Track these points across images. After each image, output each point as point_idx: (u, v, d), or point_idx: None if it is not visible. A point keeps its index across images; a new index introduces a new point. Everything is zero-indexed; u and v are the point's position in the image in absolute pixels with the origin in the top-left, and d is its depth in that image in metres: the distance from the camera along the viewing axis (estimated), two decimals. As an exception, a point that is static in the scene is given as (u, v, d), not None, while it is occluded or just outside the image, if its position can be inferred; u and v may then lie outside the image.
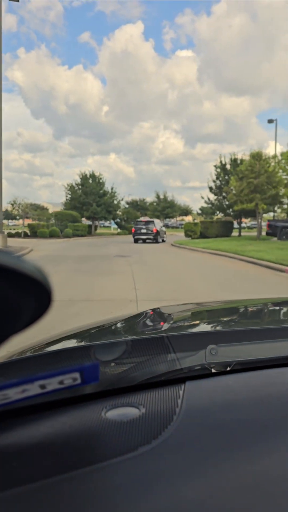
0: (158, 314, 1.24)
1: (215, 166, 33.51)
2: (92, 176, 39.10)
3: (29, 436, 0.52)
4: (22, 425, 0.54)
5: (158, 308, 1.31)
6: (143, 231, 25.71)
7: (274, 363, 0.72)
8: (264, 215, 33.11)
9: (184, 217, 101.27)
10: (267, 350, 0.77)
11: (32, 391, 0.45)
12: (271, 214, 33.52)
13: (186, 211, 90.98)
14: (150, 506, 0.39)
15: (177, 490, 0.41)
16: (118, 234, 41.14)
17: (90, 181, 38.71)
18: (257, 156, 21.09)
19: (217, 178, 33.41)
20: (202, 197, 34.55)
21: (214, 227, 31.87)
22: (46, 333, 1.09)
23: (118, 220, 43.87)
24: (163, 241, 26.13)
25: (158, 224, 27.29)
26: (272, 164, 21.05)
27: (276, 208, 26.64)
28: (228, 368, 0.70)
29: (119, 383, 0.63)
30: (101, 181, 39.14)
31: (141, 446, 0.48)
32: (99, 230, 49.46)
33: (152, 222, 26.53)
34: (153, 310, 1.26)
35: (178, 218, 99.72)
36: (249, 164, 20.91)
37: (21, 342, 0.84)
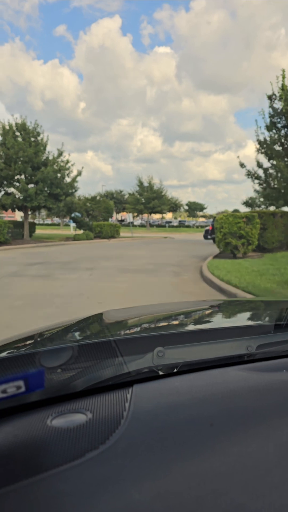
0: (105, 318, 1.23)
1: (270, 97, 15.83)
2: (21, 127, 20.02)
3: None
4: None
5: (105, 312, 1.29)
6: None
7: (218, 363, 0.75)
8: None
9: (164, 215, 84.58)
10: (211, 350, 0.77)
11: None
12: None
13: (175, 206, 73.48)
14: (99, 511, 0.39)
15: (125, 493, 0.41)
16: (74, 238, 23.14)
17: (20, 138, 20.32)
18: None
19: (274, 124, 15.85)
20: (242, 165, 16.83)
21: (279, 226, 14.32)
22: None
23: (78, 214, 25.61)
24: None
25: None
26: None
27: None
28: (175, 370, 0.71)
29: (65, 390, 0.62)
30: (39, 138, 20.51)
31: (89, 452, 0.47)
32: (42, 231, 31.07)
33: None
34: (100, 314, 1.24)
35: (161, 215, 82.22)
36: None
37: None
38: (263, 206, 56.98)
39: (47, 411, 0.57)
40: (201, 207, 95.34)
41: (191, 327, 1.11)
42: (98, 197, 28.50)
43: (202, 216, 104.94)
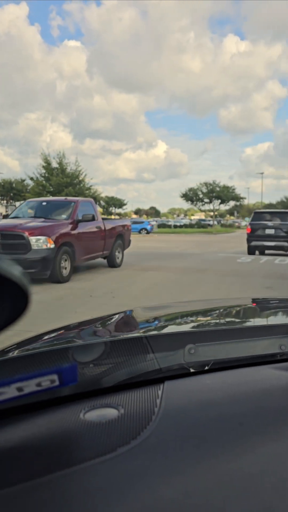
0: (136, 315, 1.24)
1: None
2: None
3: (5, 440, 0.51)
4: None
5: (137, 308, 1.29)
6: (269, 232, 13.02)
7: (249, 362, 0.74)
8: None
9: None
10: (243, 349, 0.77)
11: (9, 394, 0.45)
12: None
13: (94, 199, 58.92)
14: (128, 507, 0.39)
15: (155, 489, 0.41)
16: None
17: None
18: None
19: None
20: None
21: None
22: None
23: None
24: None
25: None
26: None
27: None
28: (206, 368, 0.71)
29: (97, 384, 0.63)
30: None
31: (120, 446, 0.48)
32: None
33: (287, 214, 13.71)
34: (131, 310, 1.25)
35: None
36: None
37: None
38: (206, 200, 40.62)
39: (79, 405, 0.58)
40: (121, 203, 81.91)
41: (222, 325, 1.09)
42: None
43: (117, 214, 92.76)
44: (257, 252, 13.68)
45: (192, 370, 0.70)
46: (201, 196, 49.59)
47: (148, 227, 35.95)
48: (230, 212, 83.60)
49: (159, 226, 45.79)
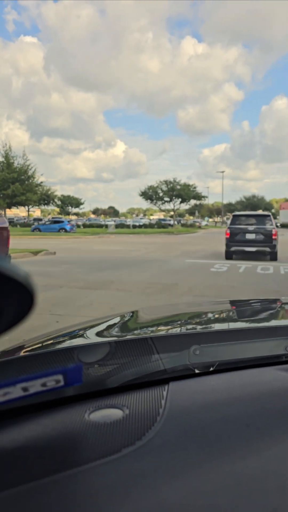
0: (142, 315, 1.23)
1: None
2: None
3: (10, 440, 0.51)
4: (3, 428, 0.54)
5: (141, 309, 1.27)
6: (250, 236, 12.02)
7: (254, 363, 0.74)
8: None
9: (32, 212, 64.89)
10: (249, 350, 0.76)
11: (14, 394, 0.45)
12: None
13: (47, 197, 54.20)
14: (133, 507, 0.39)
15: (160, 490, 0.41)
16: None
17: None
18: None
19: None
20: None
21: None
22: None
23: None
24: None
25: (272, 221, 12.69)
26: None
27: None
28: (211, 369, 0.71)
29: (102, 385, 0.63)
30: None
31: (125, 447, 0.48)
32: None
33: (267, 217, 12.68)
34: (137, 311, 1.24)
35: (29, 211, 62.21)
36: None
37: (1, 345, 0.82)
38: (166, 198, 38.06)
39: (84, 405, 0.58)
40: (78, 203, 78.30)
41: (228, 326, 1.08)
42: None
43: (75, 214, 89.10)
44: (234, 256, 12.21)
45: (197, 371, 0.69)
46: (161, 194, 47.38)
47: (67, 226, 33.56)
48: (190, 212, 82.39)
49: (117, 226, 42.98)
